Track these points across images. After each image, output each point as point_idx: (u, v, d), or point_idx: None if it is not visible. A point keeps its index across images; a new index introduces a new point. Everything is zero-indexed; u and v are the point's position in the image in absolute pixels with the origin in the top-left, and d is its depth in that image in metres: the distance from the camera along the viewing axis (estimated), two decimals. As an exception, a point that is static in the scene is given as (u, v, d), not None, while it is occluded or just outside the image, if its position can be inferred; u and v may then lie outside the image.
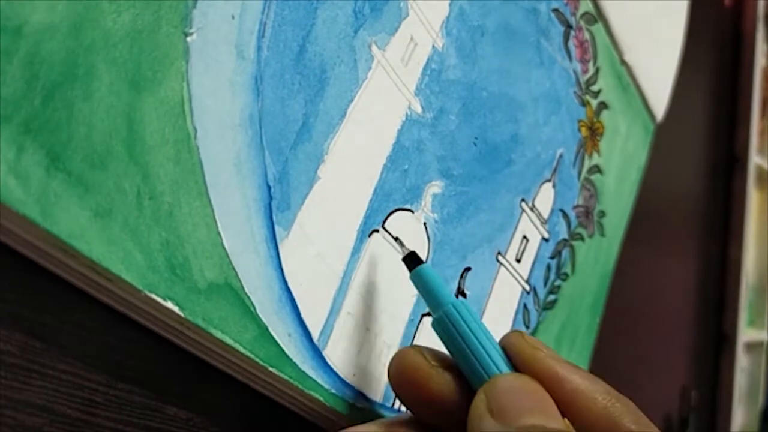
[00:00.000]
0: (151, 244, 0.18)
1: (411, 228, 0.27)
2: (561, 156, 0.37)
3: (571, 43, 0.38)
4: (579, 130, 0.38)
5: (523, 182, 0.34)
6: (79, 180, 0.17)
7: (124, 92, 0.18)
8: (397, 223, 0.27)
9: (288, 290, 0.22)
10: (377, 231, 0.26)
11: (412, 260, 0.24)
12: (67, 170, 0.17)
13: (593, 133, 0.40)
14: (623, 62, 0.43)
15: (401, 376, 0.22)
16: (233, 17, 0.22)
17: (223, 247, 0.20)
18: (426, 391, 0.22)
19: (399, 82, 0.27)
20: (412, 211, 0.28)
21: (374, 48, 0.26)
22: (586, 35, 0.39)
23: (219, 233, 0.20)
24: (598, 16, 0.41)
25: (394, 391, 0.23)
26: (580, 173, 0.39)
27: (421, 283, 0.24)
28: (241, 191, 0.21)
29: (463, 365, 0.22)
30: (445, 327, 0.23)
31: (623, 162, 0.43)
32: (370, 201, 0.26)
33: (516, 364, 0.22)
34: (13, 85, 0.16)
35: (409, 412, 0.23)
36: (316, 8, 0.24)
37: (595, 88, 0.40)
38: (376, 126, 0.26)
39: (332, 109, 0.24)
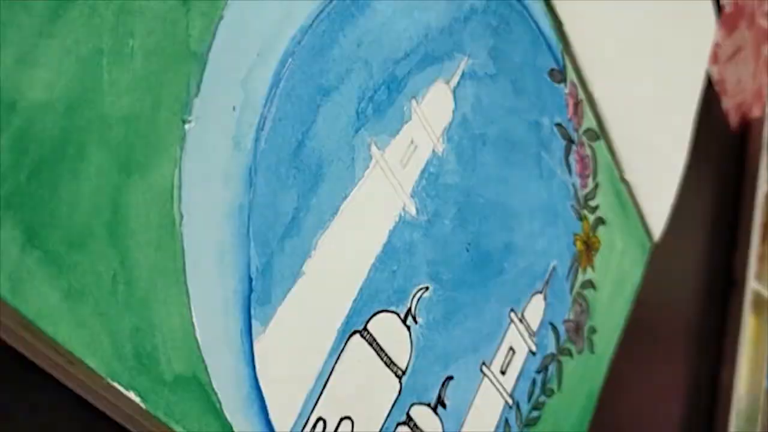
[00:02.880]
0: (121, 330, 0.18)
1: (394, 331, 0.27)
2: (554, 268, 0.37)
3: (572, 157, 0.38)
4: (574, 243, 0.38)
5: (514, 292, 0.34)
6: (55, 259, 0.17)
7: (114, 174, 0.18)
8: (381, 324, 0.26)
9: (258, 388, 0.21)
10: (359, 332, 0.25)
11: None
12: (43, 248, 0.16)
13: (588, 247, 0.40)
14: (623, 180, 0.43)
15: None
16: (234, 108, 0.22)
17: (195, 339, 0.20)
18: None
19: (396, 182, 0.27)
20: (397, 314, 0.27)
21: (374, 148, 0.26)
22: (588, 151, 0.40)
23: (192, 323, 0.20)
24: (600, 132, 0.41)
25: None
26: (572, 287, 0.38)
27: None
28: (221, 282, 0.21)
29: None
30: None
31: (618, 279, 0.43)
32: (355, 300, 0.25)
33: None
34: (0, 158, 0.16)
35: None
36: (318, 105, 0.24)
37: (593, 203, 0.40)
38: (368, 225, 0.26)
39: (324, 205, 0.24)
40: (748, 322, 0.63)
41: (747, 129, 0.63)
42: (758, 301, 0.65)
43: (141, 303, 0.18)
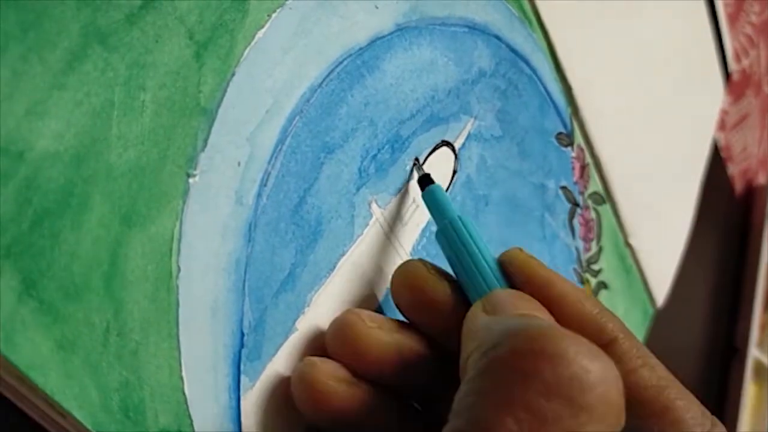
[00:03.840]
0: (109, 382, 0.18)
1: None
2: (552, 331, 0.37)
3: (576, 221, 0.38)
4: (574, 307, 0.38)
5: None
6: (50, 309, 0.17)
7: (115, 226, 0.19)
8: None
9: (243, 444, 0.21)
10: (350, 390, 0.25)
11: (425, 181, 0.27)
12: (39, 298, 0.17)
13: (588, 311, 0.39)
14: (627, 244, 0.43)
15: (401, 282, 0.24)
16: (239, 164, 0.22)
17: (183, 393, 0.20)
18: (422, 295, 0.24)
19: (396, 241, 0.28)
20: (390, 373, 0.27)
21: (374, 206, 0.27)
22: (593, 214, 0.40)
23: (181, 377, 0.20)
24: (606, 197, 0.41)
25: (394, 298, 0.24)
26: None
27: (431, 200, 0.26)
28: (212, 336, 0.21)
29: (462, 276, 0.24)
30: (448, 236, 0.25)
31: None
32: (347, 358, 0.25)
33: (510, 273, 0.24)
34: (3, 207, 0.16)
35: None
36: (322, 164, 0.25)
37: (596, 267, 0.40)
38: (365, 282, 0.26)
39: (322, 261, 0.25)
40: (749, 390, 0.63)
41: (752, 196, 0.63)
42: (759, 369, 0.65)
43: (131, 355, 0.19)
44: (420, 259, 0.25)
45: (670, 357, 0.56)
